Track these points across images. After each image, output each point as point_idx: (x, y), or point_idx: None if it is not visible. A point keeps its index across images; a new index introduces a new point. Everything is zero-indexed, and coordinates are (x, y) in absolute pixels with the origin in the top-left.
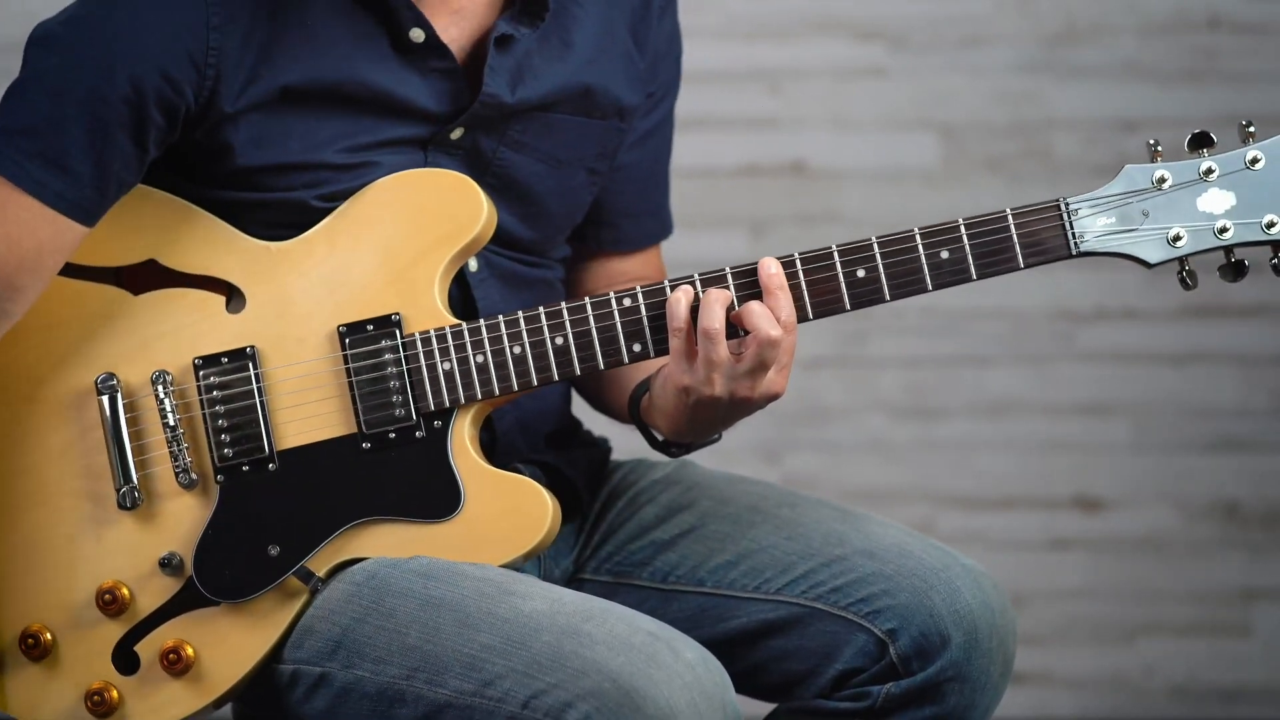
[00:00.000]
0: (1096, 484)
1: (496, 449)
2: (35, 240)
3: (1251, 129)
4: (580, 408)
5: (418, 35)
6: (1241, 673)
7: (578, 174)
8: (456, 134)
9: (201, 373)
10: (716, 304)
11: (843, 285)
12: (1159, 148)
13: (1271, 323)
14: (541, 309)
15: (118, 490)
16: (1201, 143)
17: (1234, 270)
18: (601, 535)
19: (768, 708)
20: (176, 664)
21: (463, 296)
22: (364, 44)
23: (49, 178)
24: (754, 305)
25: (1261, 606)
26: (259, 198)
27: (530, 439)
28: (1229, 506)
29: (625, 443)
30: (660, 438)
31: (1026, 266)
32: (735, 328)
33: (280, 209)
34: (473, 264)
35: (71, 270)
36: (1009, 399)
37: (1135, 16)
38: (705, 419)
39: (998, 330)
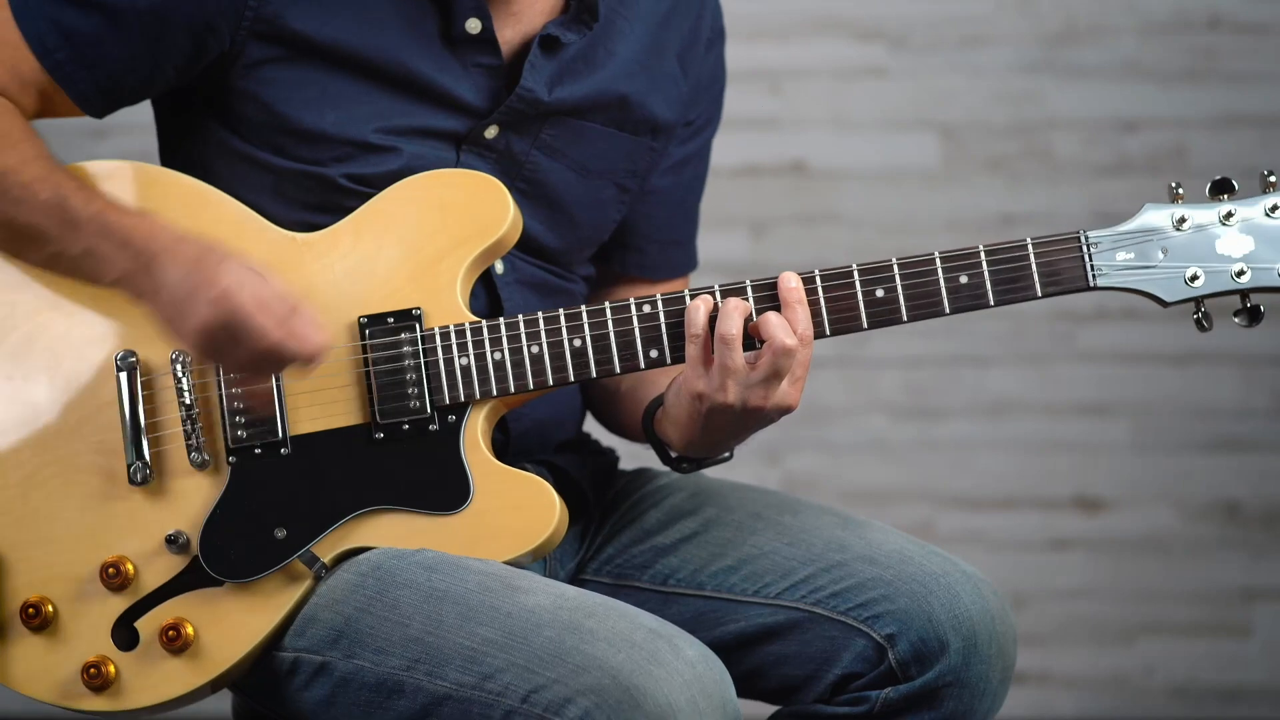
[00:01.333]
0: (1096, 484)
1: (509, 450)
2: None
3: (1272, 178)
4: (591, 428)
5: (474, 26)
6: (1241, 673)
7: (606, 187)
8: (491, 132)
9: None
10: (735, 312)
11: (861, 304)
12: (1180, 190)
13: (1271, 323)
14: (561, 311)
15: (129, 466)
16: (1222, 189)
17: (1249, 315)
18: (604, 538)
19: (769, 710)
20: (175, 641)
21: (489, 299)
22: (415, 27)
23: (58, 45)
24: (771, 316)
25: (1261, 606)
26: (288, 166)
27: (543, 444)
28: (1229, 506)
29: (632, 455)
30: (673, 454)
31: (1044, 296)
32: (753, 341)
33: (307, 182)
34: (499, 267)
35: None
36: (1009, 399)
37: (1135, 16)
38: (717, 427)
39: (998, 330)
